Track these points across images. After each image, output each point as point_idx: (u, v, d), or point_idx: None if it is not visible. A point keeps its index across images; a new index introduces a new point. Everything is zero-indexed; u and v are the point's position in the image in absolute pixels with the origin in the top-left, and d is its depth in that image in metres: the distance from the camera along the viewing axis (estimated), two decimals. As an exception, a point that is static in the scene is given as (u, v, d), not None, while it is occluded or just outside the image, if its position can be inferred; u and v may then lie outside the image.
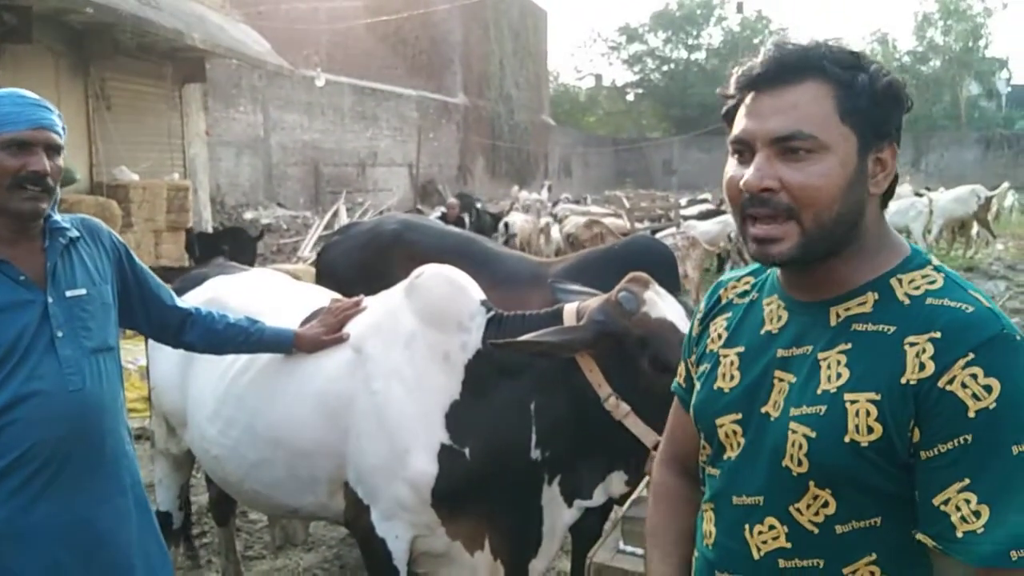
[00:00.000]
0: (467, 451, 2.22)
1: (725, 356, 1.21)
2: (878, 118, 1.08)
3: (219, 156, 13.60)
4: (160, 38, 9.40)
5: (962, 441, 0.98)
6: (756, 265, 1.26)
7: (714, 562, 1.20)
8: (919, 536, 1.03)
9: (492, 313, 2.33)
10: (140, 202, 9.39)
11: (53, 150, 1.80)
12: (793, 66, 1.07)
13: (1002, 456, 0.97)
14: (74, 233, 1.91)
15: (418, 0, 23.61)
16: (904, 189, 17.35)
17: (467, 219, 13.68)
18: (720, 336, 1.24)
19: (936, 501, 1.00)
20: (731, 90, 1.13)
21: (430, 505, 2.24)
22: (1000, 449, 0.97)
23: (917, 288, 1.07)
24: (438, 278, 2.39)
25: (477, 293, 2.39)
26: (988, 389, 0.97)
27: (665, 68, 49.50)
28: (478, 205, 15.55)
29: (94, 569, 1.86)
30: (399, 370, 2.27)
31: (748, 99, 1.10)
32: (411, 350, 2.28)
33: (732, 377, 1.19)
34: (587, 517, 2.44)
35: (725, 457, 1.18)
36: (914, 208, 12.77)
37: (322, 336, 2.41)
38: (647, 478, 2.11)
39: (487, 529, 2.30)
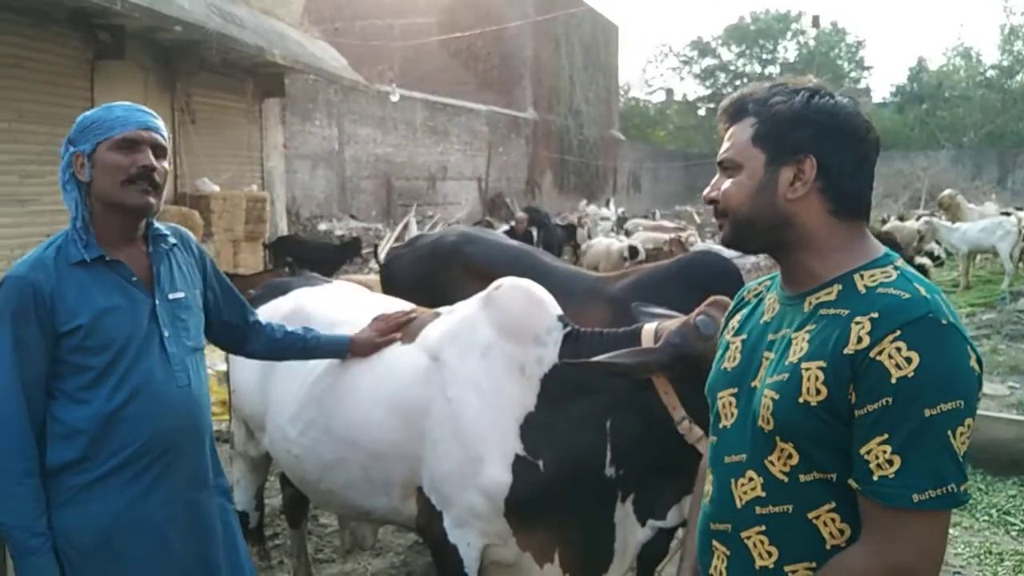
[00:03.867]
0: (541, 463, 2.23)
1: (732, 343, 1.47)
2: (781, 138, 1.34)
3: (295, 168, 13.96)
4: (243, 54, 9.74)
5: (884, 402, 1.19)
6: (774, 274, 1.52)
7: (710, 515, 1.43)
8: (849, 481, 1.24)
9: (569, 328, 2.34)
10: (220, 212, 9.72)
11: (160, 150, 1.92)
12: (733, 110, 1.41)
13: (915, 416, 1.17)
14: (173, 240, 2.04)
15: (490, 16, 23.86)
16: (989, 208, 16.72)
17: (535, 233, 13.70)
18: (732, 328, 1.50)
19: (862, 451, 1.21)
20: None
21: (502, 514, 2.25)
22: (914, 411, 1.17)
23: (874, 280, 1.29)
24: (516, 291, 2.41)
25: (555, 308, 2.40)
26: (908, 360, 1.18)
27: (738, 82, 48.78)
28: (555, 221, 15.54)
29: (192, 553, 1.98)
30: (475, 379, 2.30)
31: None
32: (487, 360, 2.31)
33: (735, 359, 1.44)
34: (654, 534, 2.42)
35: (721, 426, 1.43)
36: (1002, 228, 12.21)
37: (375, 340, 2.54)
38: None
39: (558, 542, 2.30)
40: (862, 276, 1.31)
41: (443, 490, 2.33)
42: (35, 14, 7.50)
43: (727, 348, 1.47)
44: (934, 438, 1.17)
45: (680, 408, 2.09)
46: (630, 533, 2.30)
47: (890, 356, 1.18)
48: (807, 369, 1.26)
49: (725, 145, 1.41)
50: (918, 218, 16.19)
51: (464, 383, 2.31)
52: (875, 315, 1.22)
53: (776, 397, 1.29)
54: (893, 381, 1.18)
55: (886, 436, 1.18)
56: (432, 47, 23.32)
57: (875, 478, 1.19)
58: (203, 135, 9.99)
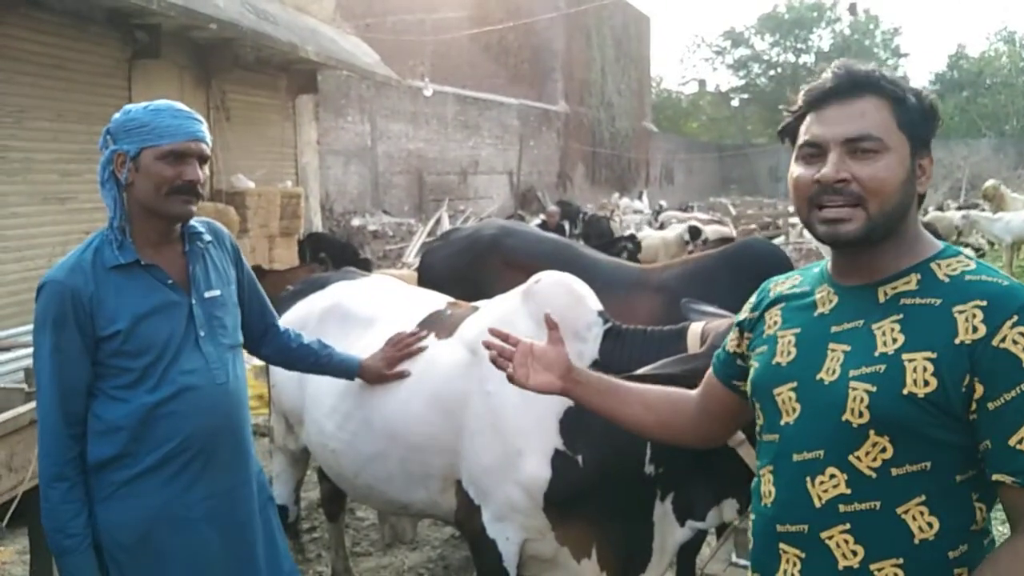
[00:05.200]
0: (580, 459, 2.21)
1: (782, 337, 1.40)
2: (923, 130, 1.31)
3: (329, 164, 14.05)
4: (276, 51, 9.82)
5: (1023, 388, 1.16)
6: (802, 268, 1.52)
7: (774, 517, 1.36)
8: (996, 477, 1.20)
9: (609, 324, 2.32)
10: (256, 208, 9.80)
11: (203, 160, 1.93)
12: (858, 83, 1.30)
13: None
14: (208, 237, 2.04)
15: (521, 10, 23.79)
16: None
17: (567, 227, 13.66)
18: (776, 323, 1.44)
19: (1012, 442, 1.17)
20: (799, 103, 1.35)
21: (541, 509, 2.24)
22: None
23: (954, 270, 1.28)
24: (556, 285, 2.39)
25: (595, 303, 2.38)
26: None
27: (772, 72, 48.29)
28: (586, 212, 15.45)
29: (232, 548, 1.99)
30: None
31: (817, 111, 1.32)
32: None
33: (789, 353, 1.38)
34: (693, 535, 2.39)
35: (782, 423, 1.36)
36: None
37: (383, 371, 2.48)
38: None
39: (596, 538, 2.29)
40: (939, 265, 1.29)
41: (482, 484, 2.33)
42: (74, 15, 7.61)
43: (775, 343, 1.42)
44: None
45: None
46: (669, 533, 2.27)
47: (1015, 342, 1.18)
48: (911, 360, 1.22)
49: (855, 123, 1.28)
50: (959, 208, 15.85)
51: (503, 377, 2.29)
52: (983, 303, 1.20)
53: (873, 389, 1.24)
54: None
55: None
56: (463, 41, 23.32)
57: None
58: (238, 132, 10.08)
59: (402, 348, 2.53)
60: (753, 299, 1.54)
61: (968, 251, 1.40)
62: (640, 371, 2.05)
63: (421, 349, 2.53)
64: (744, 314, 1.55)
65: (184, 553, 1.92)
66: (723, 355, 1.58)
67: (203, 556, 1.94)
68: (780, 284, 1.51)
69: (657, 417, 1.63)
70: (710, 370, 1.62)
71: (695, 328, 2.18)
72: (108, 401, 1.87)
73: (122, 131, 1.88)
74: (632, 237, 10.98)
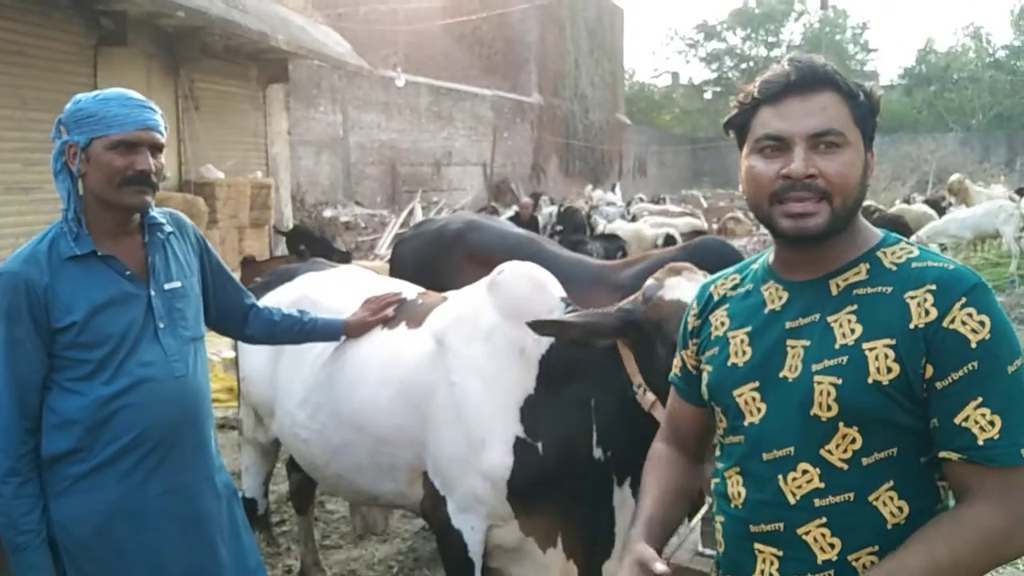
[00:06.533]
0: (540, 446, 2.24)
1: (734, 337, 1.40)
2: (870, 125, 1.33)
3: (300, 155, 13.93)
4: (246, 40, 9.70)
5: (970, 368, 1.20)
6: (737, 265, 1.52)
7: (747, 519, 1.35)
8: (943, 454, 1.23)
9: (571, 309, 2.34)
10: (225, 199, 9.70)
11: (156, 149, 1.90)
12: (818, 77, 1.29)
13: (1002, 375, 1.20)
14: (169, 228, 2.02)
15: (495, 0, 23.73)
16: (997, 191, 16.57)
17: (540, 219, 13.65)
18: (723, 323, 1.44)
19: (957, 420, 1.21)
20: (756, 95, 1.32)
21: (505, 498, 2.26)
22: (1000, 370, 1.20)
23: (899, 258, 1.30)
24: (519, 275, 2.41)
25: (557, 290, 2.40)
26: (982, 324, 1.21)
27: (744, 66, 48.55)
28: (553, 205, 15.44)
29: (191, 543, 1.97)
30: (478, 363, 2.30)
31: (774, 105, 1.30)
32: (490, 344, 2.31)
33: (744, 353, 1.37)
34: None
35: (747, 423, 1.35)
36: (1004, 211, 11.97)
37: (367, 319, 2.57)
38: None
39: (560, 527, 2.31)
40: (885, 254, 1.32)
41: (447, 474, 2.34)
42: (37, 1, 7.47)
43: (727, 343, 1.41)
44: (1022, 392, 1.21)
45: (639, 375, 2.07)
46: (630, 517, 2.28)
47: (963, 323, 1.21)
48: (872, 349, 1.24)
49: (819, 117, 1.28)
50: (925, 201, 16.06)
51: (468, 368, 2.31)
52: (932, 287, 1.23)
53: (839, 382, 1.25)
54: (974, 346, 1.20)
55: (980, 400, 1.20)
56: (436, 31, 23.21)
57: (980, 442, 1.19)
58: (207, 122, 9.95)
59: (382, 300, 2.62)
60: (695, 305, 1.53)
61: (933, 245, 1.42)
62: (549, 319, 2.15)
63: (400, 301, 2.65)
64: (690, 322, 1.53)
65: (142, 548, 1.90)
66: (682, 375, 1.55)
67: (162, 552, 1.92)
68: (719, 286, 1.50)
69: (684, 489, 1.58)
70: (677, 396, 1.59)
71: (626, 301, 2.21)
72: (63, 393, 1.85)
73: (72, 121, 1.85)
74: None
